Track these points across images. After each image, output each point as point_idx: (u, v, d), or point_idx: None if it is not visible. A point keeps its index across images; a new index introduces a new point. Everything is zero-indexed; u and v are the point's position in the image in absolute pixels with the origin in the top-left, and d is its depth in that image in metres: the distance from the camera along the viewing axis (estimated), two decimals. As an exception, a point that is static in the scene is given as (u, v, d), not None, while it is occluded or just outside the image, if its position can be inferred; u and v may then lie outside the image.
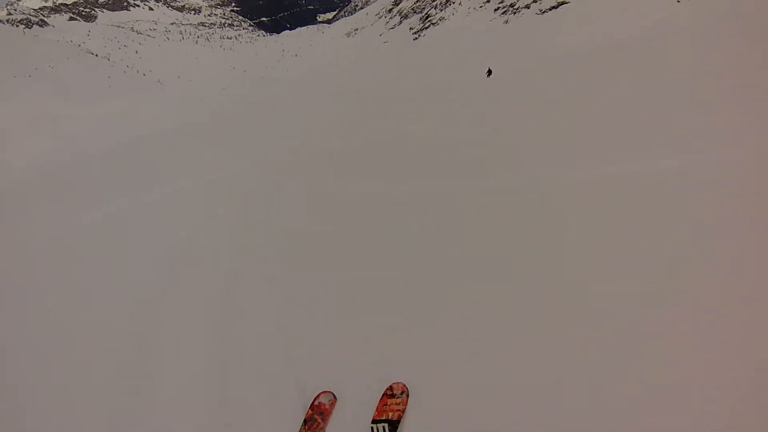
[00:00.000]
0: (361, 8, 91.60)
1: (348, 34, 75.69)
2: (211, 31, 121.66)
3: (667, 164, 3.90)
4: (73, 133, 28.73)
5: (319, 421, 2.32)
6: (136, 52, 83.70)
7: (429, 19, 56.06)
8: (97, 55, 63.30)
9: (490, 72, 18.80)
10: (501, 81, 14.72)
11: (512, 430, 2.04)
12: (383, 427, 2.20)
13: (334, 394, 2.44)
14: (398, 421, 2.22)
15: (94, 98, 40.22)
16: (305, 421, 2.32)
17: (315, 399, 2.41)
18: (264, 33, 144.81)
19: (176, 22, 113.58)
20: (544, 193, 4.03)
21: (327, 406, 2.38)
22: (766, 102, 4.83)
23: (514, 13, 47.47)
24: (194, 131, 16.59)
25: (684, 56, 9.10)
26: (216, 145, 11.48)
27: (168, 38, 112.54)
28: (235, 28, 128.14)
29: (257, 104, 27.86)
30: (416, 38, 54.13)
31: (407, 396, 2.32)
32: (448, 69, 30.09)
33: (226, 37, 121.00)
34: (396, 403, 2.29)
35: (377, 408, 2.30)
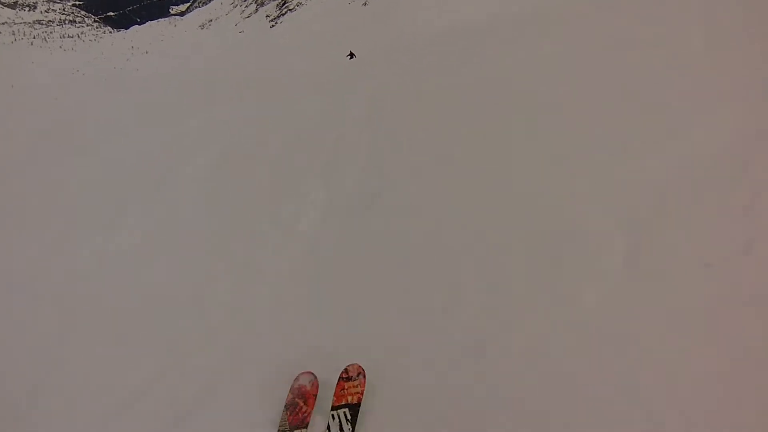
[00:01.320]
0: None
1: (202, 26, 69.60)
2: (49, 29, 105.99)
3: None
4: None
5: (302, 404, 2.16)
6: (-44, 59, 69.46)
7: (286, 5, 52.91)
8: None
9: (352, 55, 17.34)
10: (358, 63, 14.04)
11: (477, 404, 1.89)
12: (344, 412, 2.09)
13: (314, 375, 2.22)
14: (358, 404, 2.07)
15: None
16: (286, 407, 2.11)
17: (294, 381, 2.21)
18: (111, 29, 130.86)
19: (8, 21, 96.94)
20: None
21: (308, 388, 2.20)
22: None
23: (373, -6, 46.27)
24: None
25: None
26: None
27: None
28: (77, 25, 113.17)
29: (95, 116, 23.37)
30: (273, 26, 50.88)
31: (364, 377, 2.15)
32: (304, 56, 28.28)
33: (66, 35, 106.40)
34: (353, 386, 2.14)
35: (335, 393, 2.13)
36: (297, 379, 2.28)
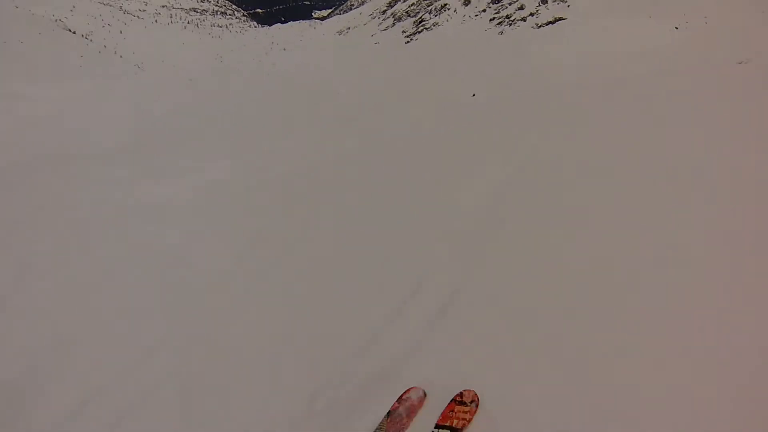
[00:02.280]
0: (357, 8, 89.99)
1: (340, 32, 73.93)
2: (202, 17, 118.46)
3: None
4: (28, 115, 26.48)
5: (404, 417, 2.23)
6: (121, 32, 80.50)
7: (423, 23, 54.66)
8: (75, 33, 60.32)
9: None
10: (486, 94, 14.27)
11: None
12: None
13: (424, 392, 2.34)
14: (461, 430, 2.11)
15: (60, 79, 37.70)
16: (389, 413, 2.23)
17: (404, 393, 2.33)
18: (256, 24, 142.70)
19: (167, 5, 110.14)
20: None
21: (416, 402, 2.29)
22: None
23: (510, 24, 46.31)
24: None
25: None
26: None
27: (156, 21, 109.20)
28: (227, 17, 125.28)
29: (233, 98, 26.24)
30: (408, 41, 52.67)
31: (477, 405, 2.21)
32: (436, 75, 29.02)
33: (216, 25, 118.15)
34: (464, 411, 2.18)
35: (443, 413, 2.20)
36: (408, 391, 2.35)
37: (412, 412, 2.28)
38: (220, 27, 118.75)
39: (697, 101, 6.64)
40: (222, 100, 25.71)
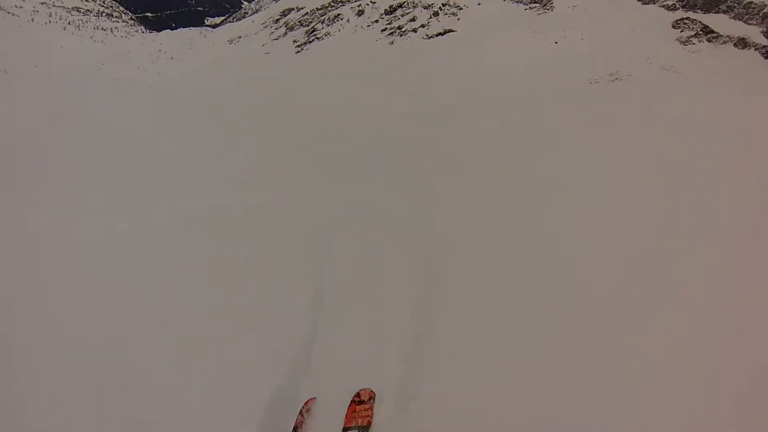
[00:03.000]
0: (250, 15, 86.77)
1: (230, 41, 70.28)
2: (85, 18, 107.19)
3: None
4: None
5: (304, 425, 2.42)
6: (-9, 31, 69.48)
7: (314, 33, 53.28)
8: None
9: None
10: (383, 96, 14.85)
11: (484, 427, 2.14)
12: None
13: (315, 399, 2.57)
14: (368, 427, 2.33)
15: None
16: (295, 429, 2.38)
17: (304, 405, 2.50)
18: (144, 29, 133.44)
19: (47, 2, 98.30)
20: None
21: (312, 410, 2.49)
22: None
23: (401, 35, 46.46)
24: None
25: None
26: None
27: (33, 19, 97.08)
28: (113, 20, 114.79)
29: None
30: (298, 51, 50.99)
31: (374, 401, 2.45)
32: (323, 85, 28.09)
33: (100, 27, 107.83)
34: (364, 409, 2.40)
35: (346, 416, 2.40)
36: (306, 403, 2.42)
37: (308, 417, 2.40)
38: (104, 30, 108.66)
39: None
40: (90, 118, 22.26)
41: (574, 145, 6.09)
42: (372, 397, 2.40)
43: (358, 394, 2.43)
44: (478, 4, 46.46)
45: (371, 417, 2.32)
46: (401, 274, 3.71)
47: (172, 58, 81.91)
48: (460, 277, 3.67)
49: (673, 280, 3.09)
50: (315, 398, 2.52)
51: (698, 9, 40.56)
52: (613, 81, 28.59)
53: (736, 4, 39.06)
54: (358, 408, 2.37)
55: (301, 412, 2.42)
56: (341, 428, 2.32)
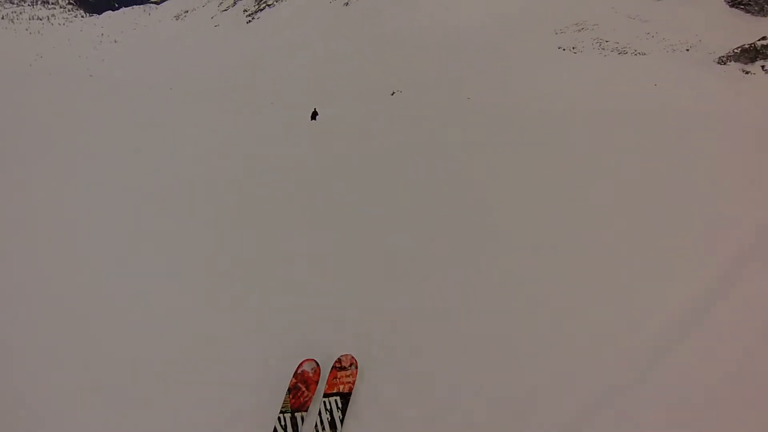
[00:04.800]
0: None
1: (177, 17, 66.19)
2: (19, 9, 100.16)
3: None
4: None
5: (304, 389, 2.30)
6: None
7: (265, 0, 50.25)
8: None
9: (314, 115, 13.78)
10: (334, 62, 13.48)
11: (461, 395, 2.13)
12: (335, 400, 2.22)
13: (317, 362, 2.44)
14: (349, 394, 2.25)
15: None
16: (289, 390, 2.29)
17: (298, 367, 2.40)
18: (84, 13, 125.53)
19: None
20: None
21: (311, 374, 2.36)
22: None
23: (356, -5, 43.99)
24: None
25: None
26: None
27: None
28: (49, 7, 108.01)
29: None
30: (249, 21, 48.02)
31: (356, 368, 2.37)
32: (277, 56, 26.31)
33: (36, 17, 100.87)
34: (346, 376, 2.32)
35: (328, 381, 2.32)
36: (301, 365, 2.43)
37: (310, 383, 2.32)
38: (40, 20, 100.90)
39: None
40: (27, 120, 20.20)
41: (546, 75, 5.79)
42: (353, 363, 2.35)
43: (339, 360, 2.40)
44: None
45: (353, 384, 2.27)
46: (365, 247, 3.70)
47: (115, 41, 76.59)
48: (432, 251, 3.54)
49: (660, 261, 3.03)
50: (312, 359, 2.44)
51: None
52: (580, 30, 27.65)
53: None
54: (339, 374, 2.32)
55: (295, 374, 2.37)
56: (322, 394, 2.26)
